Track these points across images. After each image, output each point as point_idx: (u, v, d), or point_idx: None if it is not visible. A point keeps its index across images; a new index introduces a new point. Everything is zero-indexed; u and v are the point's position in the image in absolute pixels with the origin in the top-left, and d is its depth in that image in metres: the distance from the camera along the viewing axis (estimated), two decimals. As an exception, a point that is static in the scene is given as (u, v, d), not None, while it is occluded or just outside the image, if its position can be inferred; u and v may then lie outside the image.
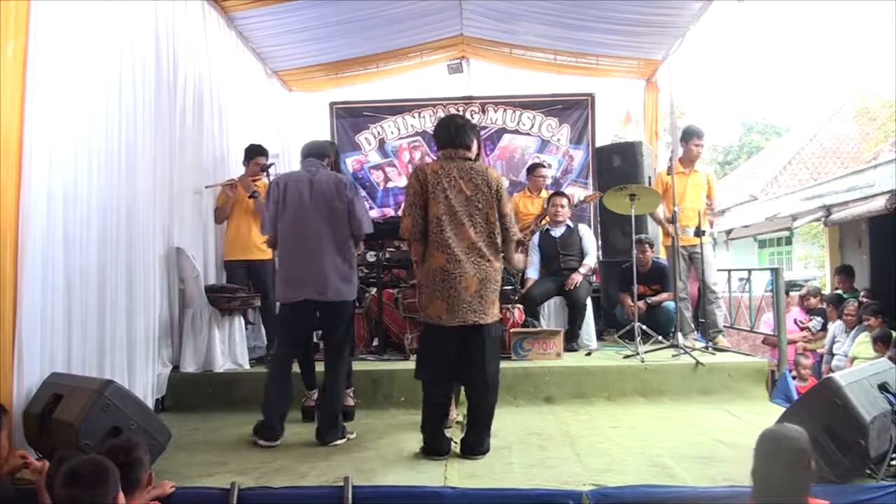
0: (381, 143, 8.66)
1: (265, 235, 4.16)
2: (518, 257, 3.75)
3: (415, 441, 3.59)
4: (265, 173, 5.14)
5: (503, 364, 4.40)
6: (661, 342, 5.38)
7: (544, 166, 7.09)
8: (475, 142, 3.63)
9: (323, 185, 3.85)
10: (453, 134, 3.55)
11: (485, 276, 3.43)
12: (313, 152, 4.05)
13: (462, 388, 3.93)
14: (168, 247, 4.83)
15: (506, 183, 8.74)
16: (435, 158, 3.65)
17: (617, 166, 6.84)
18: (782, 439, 2.37)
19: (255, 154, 5.52)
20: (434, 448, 3.46)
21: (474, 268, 3.41)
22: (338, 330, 3.92)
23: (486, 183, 3.46)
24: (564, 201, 6.11)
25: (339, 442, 3.74)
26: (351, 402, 4.34)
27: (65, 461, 2.31)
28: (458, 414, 4.01)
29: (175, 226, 4.91)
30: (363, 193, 8.27)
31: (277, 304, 4.24)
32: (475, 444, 3.46)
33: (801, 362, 6.44)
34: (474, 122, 8.36)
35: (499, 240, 3.50)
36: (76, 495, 2.14)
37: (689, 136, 5.86)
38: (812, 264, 16.02)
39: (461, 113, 8.48)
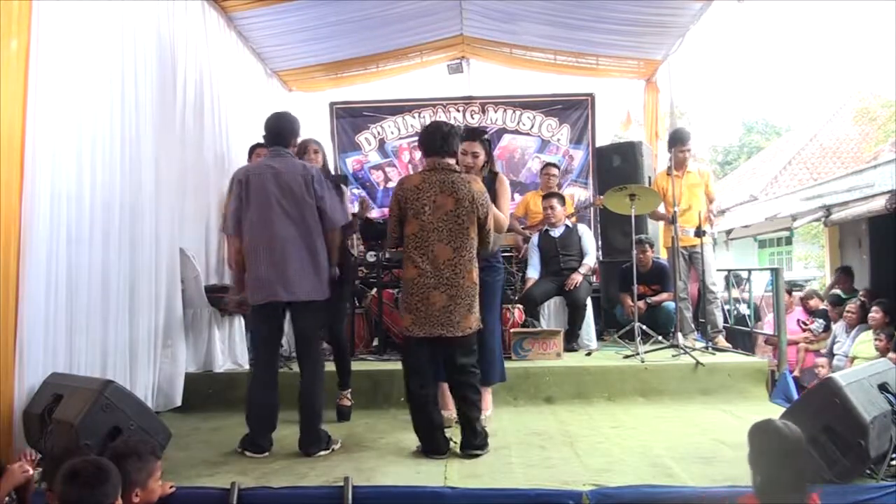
0: (381, 143, 8.67)
1: (227, 234, 3.89)
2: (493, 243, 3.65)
3: (415, 441, 3.59)
4: None
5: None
6: (661, 342, 5.39)
7: (554, 165, 7.11)
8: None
9: (289, 179, 3.54)
10: (440, 144, 3.52)
11: (456, 293, 3.41)
12: (278, 138, 3.68)
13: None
14: (171, 246, 4.81)
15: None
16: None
17: (617, 166, 6.85)
18: (775, 436, 2.36)
19: (256, 148, 5.51)
20: (431, 448, 3.46)
21: (445, 283, 3.40)
22: (308, 331, 3.70)
23: (469, 197, 3.44)
24: (555, 202, 6.07)
25: (322, 453, 3.52)
26: (347, 402, 4.33)
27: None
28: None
29: (176, 225, 4.91)
30: (359, 189, 8.29)
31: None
32: (468, 441, 3.46)
33: (818, 363, 6.52)
34: (475, 123, 8.37)
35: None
36: (77, 495, 2.14)
37: (672, 144, 5.93)
38: (812, 264, 16.00)
39: (460, 113, 8.51)
